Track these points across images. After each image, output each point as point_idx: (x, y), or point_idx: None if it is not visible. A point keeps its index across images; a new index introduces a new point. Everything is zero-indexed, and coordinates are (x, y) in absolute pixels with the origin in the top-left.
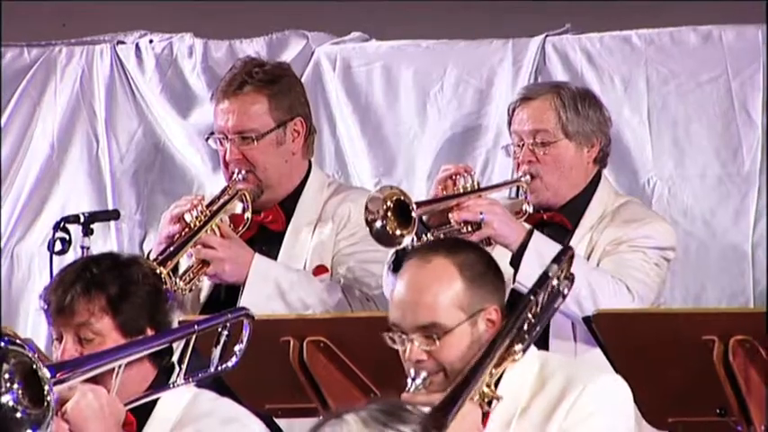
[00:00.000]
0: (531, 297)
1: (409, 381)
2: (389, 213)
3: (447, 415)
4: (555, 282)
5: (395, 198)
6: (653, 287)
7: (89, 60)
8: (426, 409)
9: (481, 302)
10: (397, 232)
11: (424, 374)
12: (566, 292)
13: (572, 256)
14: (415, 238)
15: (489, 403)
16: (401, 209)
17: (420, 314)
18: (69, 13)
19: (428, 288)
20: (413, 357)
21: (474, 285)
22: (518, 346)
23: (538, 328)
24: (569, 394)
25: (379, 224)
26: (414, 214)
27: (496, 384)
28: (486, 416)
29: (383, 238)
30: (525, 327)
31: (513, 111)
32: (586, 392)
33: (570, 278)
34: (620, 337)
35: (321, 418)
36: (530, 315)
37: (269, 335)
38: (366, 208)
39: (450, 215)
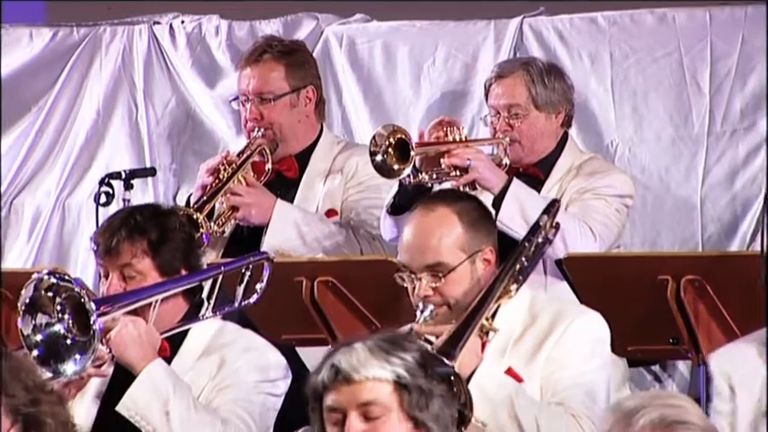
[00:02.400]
0: (526, 244)
1: (418, 313)
2: (390, 149)
3: (456, 347)
4: (545, 230)
5: (398, 136)
6: (613, 229)
7: (129, 38)
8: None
9: (478, 244)
10: (395, 166)
11: (431, 307)
12: (552, 238)
13: (558, 209)
14: (412, 176)
15: (487, 334)
16: (401, 146)
17: (427, 255)
18: None
19: (433, 233)
20: (421, 293)
21: (472, 229)
22: (513, 286)
23: (529, 270)
24: (557, 327)
25: (379, 157)
26: (412, 152)
27: (493, 317)
28: (483, 345)
29: (382, 169)
30: (519, 268)
31: (489, 87)
32: (572, 327)
33: (556, 227)
34: (587, 276)
35: (333, 346)
36: (523, 259)
37: (285, 275)
38: (372, 141)
39: (441, 160)
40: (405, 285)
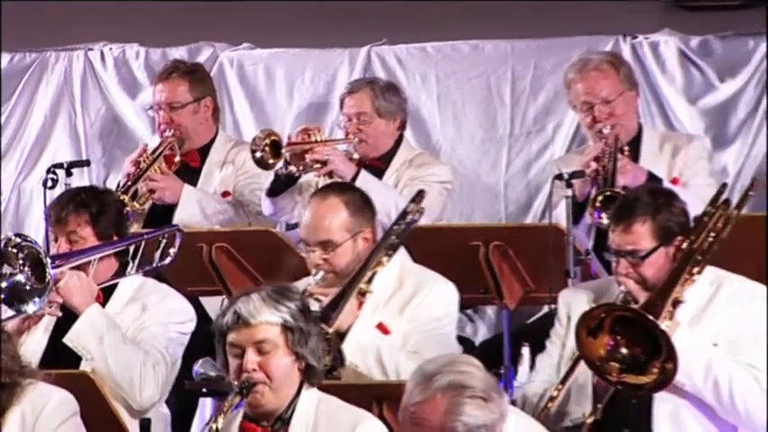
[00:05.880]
0: (395, 226)
1: (312, 278)
2: (267, 147)
3: (334, 311)
4: (412, 214)
5: (272, 138)
6: (435, 208)
7: (70, 61)
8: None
9: (360, 226)
10: (270, 161)
11: (321, 273)
12: (418, 219)
13: (423, 197)
14: (284, 168)
15: (364, 295)
16: (275, 146)
17: (319, 233)
18: (56, 29)
19: (324, 216)
20: (314, 262)
21: (355, 215)
22: (385, 259)
23: (398, 245)
24: (420, 293)
25: (258, 154)
26: (283, 150)
27: (370, 281)
28: (360, 304)
29: (260, 163)
30: (390, 244)
31: (343, 99)
32: (431, 293)
33: (421, 211)
34: (418, 241)
35: (233, 295)
36: (394, 237)
37: (190, 242)
38: (252, 141)
39: (305, 156)
40: (303, 255)
